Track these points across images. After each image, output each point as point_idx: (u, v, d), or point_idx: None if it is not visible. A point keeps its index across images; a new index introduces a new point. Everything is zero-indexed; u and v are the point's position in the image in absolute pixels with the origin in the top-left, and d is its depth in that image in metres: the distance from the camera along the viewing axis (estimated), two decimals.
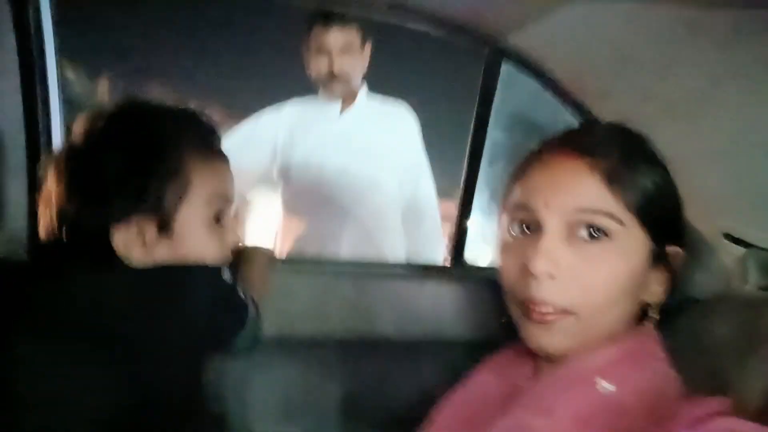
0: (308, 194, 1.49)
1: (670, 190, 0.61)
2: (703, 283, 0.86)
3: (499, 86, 1.03)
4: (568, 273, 0.57)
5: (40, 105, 0.85)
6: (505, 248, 0.63)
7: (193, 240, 0.65)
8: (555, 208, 0.58)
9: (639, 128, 0.79)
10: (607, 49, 0.80)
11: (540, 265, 0.56)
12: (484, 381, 0.69)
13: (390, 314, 0.94)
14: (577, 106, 0.93)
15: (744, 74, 0.67)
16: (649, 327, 0.61)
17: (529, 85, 0.99)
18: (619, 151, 0.59)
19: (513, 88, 1.04)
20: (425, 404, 0.72)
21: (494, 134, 1.08)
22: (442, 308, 0.97)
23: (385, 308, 0.95)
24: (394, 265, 1.29)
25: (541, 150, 0.64)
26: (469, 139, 1.09)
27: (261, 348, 0.84)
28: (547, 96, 0.98)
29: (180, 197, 0.64)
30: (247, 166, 1.47)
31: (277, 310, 0.89)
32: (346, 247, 1.46)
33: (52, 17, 0.87)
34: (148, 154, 0.63)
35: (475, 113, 1.07)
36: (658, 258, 0.60)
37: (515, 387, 0.62)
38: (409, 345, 0.96)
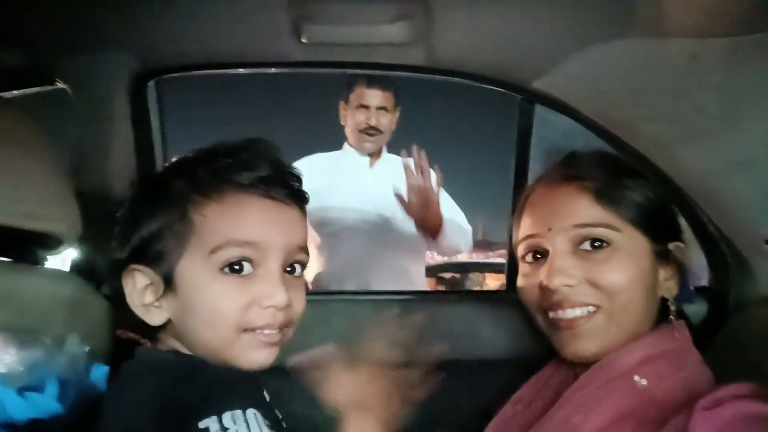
0: (348, 236, 1.62)
1: (657, 197, 0.68)
2: (749, 289, 0.88)
3: (534, 126, 1.12)
4: (582, 280, 0.64)
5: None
6: (524, 275, 0.72)
7: (197, 294, 0.58)
8: (557, 230, 0.67)
9: (666, 150, 0.87)
10: (626, 83, 0.88)
11: (555, 279, 0.64)
12: (530, 394, 0.75)
13: (449, 338, 1.01)
14: (609, 137, 1.00)
15: (751, 89, 0.72)
16: (680, 325, 0.66)
17: (563, 120, 1.08)
18: (604, 172, 0.68)
19: (548, 124, 1.12)
20: (483, 420, 0.78)
21: (535, 167, 1.16)
22: (497, 330, 1.03)
23: (444, 333, 1.02)
24: (453, 292, 1.37)
25: (536, 185, 0.74)
26: (512, 177, 1.17)
27: None
28: (582, 128, 1.06)
29: (179, 243, 0.58)
30: None
31: (336, 339, 0.98)
32: (388, 282, 1.59)
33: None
34: (150, 201, 0.61)
35: (515, 154, 1.16)
36: (663, 255, 0.66)
37: (558, 394, 0.67)
38: (467, 366, 1.02)
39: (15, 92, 1.03)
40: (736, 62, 0.72)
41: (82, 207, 0.76)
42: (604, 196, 0.66)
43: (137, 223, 0.59)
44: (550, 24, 0.85)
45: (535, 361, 0.82)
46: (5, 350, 0.51)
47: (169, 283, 0.58)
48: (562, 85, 0.96)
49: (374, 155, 1.74)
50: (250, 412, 0.51)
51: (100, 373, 0.61)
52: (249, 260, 0.58)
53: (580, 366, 0.68)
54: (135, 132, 1.02)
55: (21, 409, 0.48)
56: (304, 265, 0.65)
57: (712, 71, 0.75)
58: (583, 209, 0.66)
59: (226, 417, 0.50)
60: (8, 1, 0.80)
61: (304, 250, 0.64)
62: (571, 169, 0.71)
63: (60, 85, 1.00)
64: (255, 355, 0.59)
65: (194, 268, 0.58)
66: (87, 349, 0.62)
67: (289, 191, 0.63)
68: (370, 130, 1.67)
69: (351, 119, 1.69)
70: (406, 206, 1.37)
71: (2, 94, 1.00)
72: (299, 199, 0.64)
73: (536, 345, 0.97)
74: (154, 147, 1.08)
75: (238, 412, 0.51)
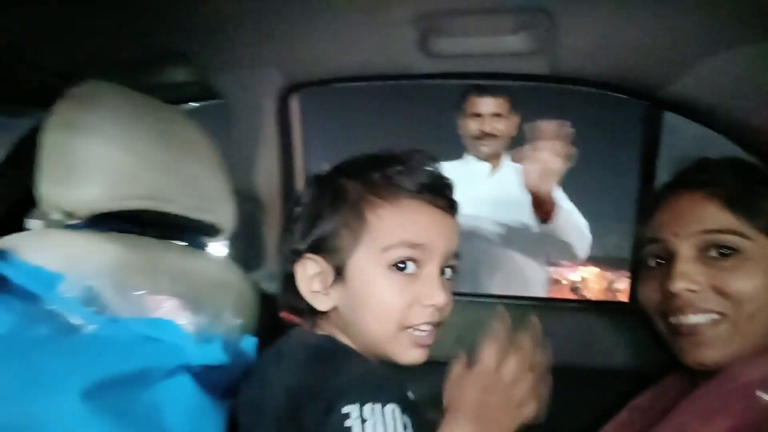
0: (464, 241, 1.64)
1: None
2: None
3: (663, 133, 1.08)
4: (707, 286, 0.63)
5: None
6: (646, 279, 0.72)
7: (366, 287, 0.63)
8: (683, 235, 0.66)
9: None
10: (763, 88, 0.83)
11: (678, 283, 0.63)
12: (648, 402, 0.73)
13: (569, 345, 1.02)
14: (744, 143, 0.94)
15: None
16: None
17: (696, 127, 1.03)
18: (736, 179, 0.66)
19: (679, 133, 1.08)
20: (598, 429, 0.78)
21: (664, 178, 1.12)
22: (618, 340, 1.01)
23: (564, 339, 1.02)
24: (575, 300, 1.35)
25: (664, 191, 0.73)
26: (637, 190, 1.14)
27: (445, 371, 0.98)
28: (713, 134, 1.01)
29: (353, 238, 0.63)
30: None
31: (459, 337, 1.02)
32: (498, 288, 1.61)
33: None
34: (330, 199, 0.65)
35: (640, 163, 1.13)
36: None
37: (676, 403, 0.66)
38: (586, 373, 1.02)
39: (184, 105, 1.22)
40: None
41: (235, 204, 0.89)
42: (735, 202, 0.64)
43: (318, 217, 0.66)
44: (679, 28, 0.83)
45: (656, 373, 0.80)
46: (182, 313, 0.63)
47: (339, 274, 0.64)
48: (694, 91, 0.92)
49: (495, 163, 1.77)
50: (389, 407, 0.53)
51: (249, 343, 0.71)
52: (414, 260, 0.63)
53: (701, 377, 0.67)
54: (280, 139, 1.15)
55: (197, 354, 0.58)
56: (454, 270, 0.69)
57: None
58: (711, 215, 0.65)
59: (367, 408, 0.52)
60: (176, 23, 0.94)
61: (457, 256, 0.68)
62: (701, 175, 0.70)
63: (219, 98, 1.16)
64: (410, 353, 0.64)
65: (365, 263, 0.63)
66: (236, 320, 0.73)
67: (449, 199, 0.68)
68: (484, 137, 1.71)
69: (467, 128, 1.75)
70: (528, 172, 1.34)
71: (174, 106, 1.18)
72: (454, 207, 0.70)
73: (657, 357, 0.95)
74: (294, 152, 1.20)
75: (378, 405, 0.53)
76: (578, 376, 1.02)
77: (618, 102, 1.05)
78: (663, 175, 1.11)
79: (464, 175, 1.77)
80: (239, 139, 1.16)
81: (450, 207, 0.68)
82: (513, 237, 1.64)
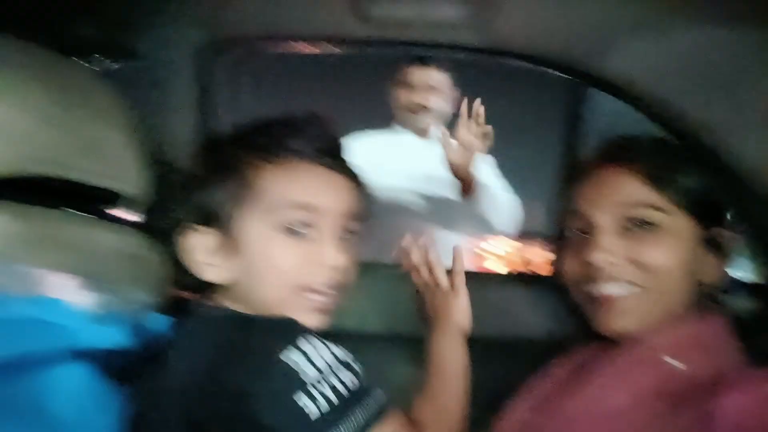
0: (389, 212, 1.64)
1: (707, 183, 0.68)
2: None
3: (585, 110, 1.10)
4: (625, 258, 0.65)
5: None
6: (567, 251, 0.73)
7: (259, 252, 0.61)
8: (604, 208, 0.67)
9: (722, 138, 0.85)
10: (686, 68, 0.86)
11: (599, 255, 0.65)
12: (561, 370, 0.76)
13: (491, 316, 1.04)
14: (663, 121, 0.98)
15: None
16: (716, 312, 0.66)
17: (617, 104, 1.06)
18: (656, 155, 0.68)
19: (601, 109, 1.10)
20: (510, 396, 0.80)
21: (585, 153, 1.15)
22: (539, 311, 1.04)
23: (487, 310, 1.04)
24: (499, 274, 1.38)
25: (586, 165, 0.75)
26: (560, 164, 1.17)
27: (369, 342, 0.98)
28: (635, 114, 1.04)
29: (239, 204, 0.62)
30: None
31: (379, 308, 1.02)
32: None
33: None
34: (215, 165, 0.64)
35: (563, 138, 1.16)
36: (708, 241, 0.66)
37: (588, 369, 0.68)
38: (506, 344, 1.04)
39: (93, 62, 1.11)
40: None
41: (148, 170, 0.82)
42: (655, 178, 0.66)
43: (200, 185, 0.64)
44: (606, 5, 0.84)
45: (572, 343, 0.83)
46: (79, 291, 0.57)
47: (228, 244, 0.62)
48: (618, 68, 0.94)
49: (426, 135, 1.75)
50: (313, 335, 0.55)
51: (159, 322, 0.66)
52: (308, 224, 0.62)
53: (613, 344, 0.69)
54: (200, 102, 1.08)
55: (91, 336, 0.53)
56: (355, 234, 0.69)
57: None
58: (632, 189, 0.67)
59: (300, 342, 0.54)
60: None
61: (357, 218, 0.68)
62: (623, 151, 0.71)
63: (136, 58, 1.06)
64: (308, 318, 0.63)
65: (254, 229, 0.62)
66: (146, 298, 0.68)
67: (343, 161, 0.68)
68: (418, 109, 1.69)
69: (399, 98, 1.72)
70: (448, 149, 1.35)
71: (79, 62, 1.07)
72: (352, 171, 0.69)
73: (573, 328, 0.98)
74: (217, 116, 1.13)
75: (306, 336, 0.55)
76: (500, 348, 1.05)
77: (545, 77, 1.06)
78: (584, 150, 1.15)
79: (392, 145, 1.76)
80: (156, 101, 1.08)
81: (345, 169, 0.68)
82: (437, 210, 1.64)
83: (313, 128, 0.66)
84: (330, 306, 0.65)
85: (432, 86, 1.67)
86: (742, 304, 0.91)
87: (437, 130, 1.74)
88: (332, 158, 0.66)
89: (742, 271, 0.96)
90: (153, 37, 1.03)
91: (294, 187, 0.63)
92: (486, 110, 1.30)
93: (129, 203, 0.82)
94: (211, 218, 0.63)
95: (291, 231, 0.62)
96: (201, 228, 0.63)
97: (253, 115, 0.72)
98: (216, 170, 0.64)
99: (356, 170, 0.70)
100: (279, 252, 0.62)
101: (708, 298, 0.67)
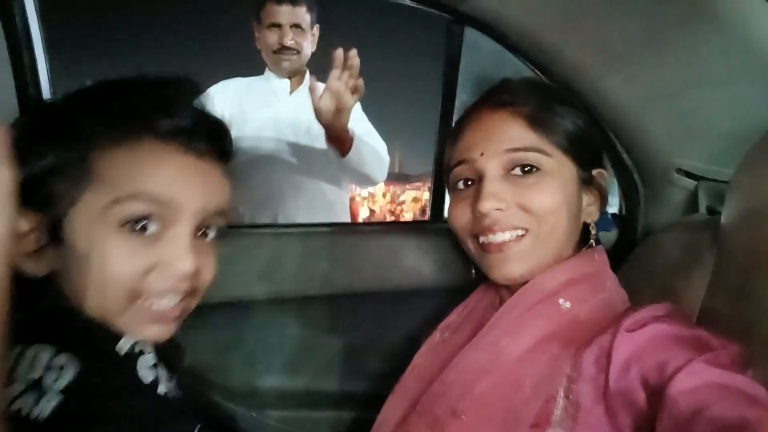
0: (263, 166, 1.55)
1: (585, 124, 0.69)
2: (657, 215, 0.94)
3: (463, 51, 1.08)
4: (512, 203, 0.65)
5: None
6: (455, 201, 0.72)
7: (88, 250, 0.50)
8: (489, 155, 0.66)
9: (591, 78, 0.87)
10: (556, 7, 0.86)
11: (487, 203, 0.64)
12: (458, 320, 0.76)
13: (376, 268, 1.01)
14: (537, 64, 0.99)
15: (682, 20, 0.73)
16: (599, 249, 0.69)
17: (493, 46, 1.05)
18: (537, 99, 0.67)
19: (478, 51, 1.09)
20: (412, 348, 0.79)
21: (463, 98, 1.14)
22: (423, 260, 1.04)
23: (371, 263, 1.02)
24: (379, 223, 1.36)
25: (469, 111, 0.73)
26: (440, 105, 1.15)
27: (256, 309, 0.91)
28: (510, 56, 1.04)
29: (74, 189, 0.50)
30: None
31: (262, 272, 0.96)
32: (302, 214, 1.54)
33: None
34: (47, 133, 0.52)
35: (442, 80, 1.13)
36: (587, 181, 0.68)
37: (484, 319, 0.68)
38: (395, 295, 1.04)
39: None
40: None
41: None
42: (536, 121, 0.66)
43: (25, 157, 0.47)
44: None
45: (461, 290, 0.83)
46: None
47: (55, 233, 0.50)
48: (492, 7, 0.92)
49: (295, 80, 1.64)
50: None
51: None
52: (155, 219, 0.51)
53: (506, 291, 0.70)
54: (12, 53, 0.88)
55: None
56: (219, 230, 0.58)
57: None
58: (515, 134, 0.66)
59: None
60: None
61: (222, 213, 0.57)
62: (503, 95, 0.70)
63: None
64: (147, 330, 0.53)
65: (88, 220, 0.50)
66: None
67: (214, 146, 0.55)
68: (285, 51, 1.56)
69: (264, 40, 1.58)
70: (318, 108, 1.26)
71: None
72: (224, 155, 0.57)
73: (462, 273, 1.00)
74: (38, 72, 0.93)
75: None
76: (389, 299, 1.04)
77: (422, 16, 1.01)
78: (463, 93, 1.14)
79: (263, 92, 1.64)
80: None
81: (215, 154, 0.56)
82: (312, 162, 1.55)
83: (177, 100, 0.54)
84: (176, 315, 0.55)
85: (295, 24, 1.55)
86: (605, 235, 0.98)
87: (310, 77, 1.65)
88: (197, 140, 0.53)
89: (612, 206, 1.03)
90: None
91: (143, 175, 0.50)
92: (361, 51, 1.22)
93: None
94: (36, 199, 0.49)
95: (133, 228, 0.50)
96: (22, 209, 0.48)
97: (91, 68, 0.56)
98: (49, 140, 0.51)
99: (228, 154, 0.58)
100: (114, 253, 0.50)
101: (591, 236, 0.70)
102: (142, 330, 0.53)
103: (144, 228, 0.51)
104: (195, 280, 0.55)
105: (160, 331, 0.54)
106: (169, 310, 0.53)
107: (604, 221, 0.73)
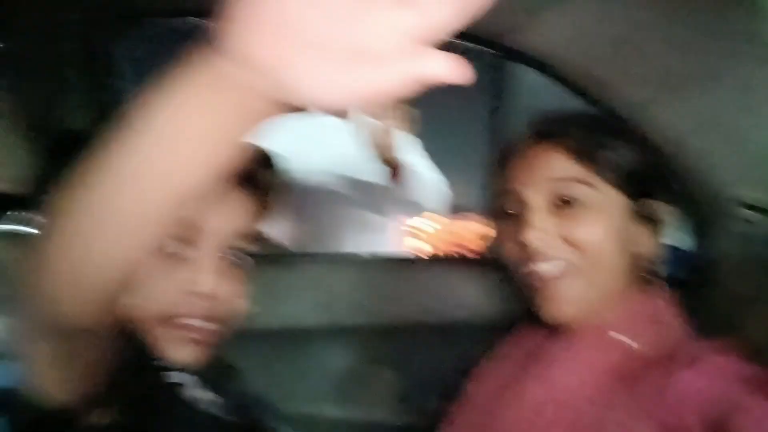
0: (321, 197, 1.58)
1: (635, 155, 0.68)
2: (723, 249, 0.89)
3: (507, 84, 1.09)
4: (556, 235, 0.64)
5: None
6: (501, 231, 0.72)
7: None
8: (533, 186, 0.66)
9: (643, 109, 0.85)
10: (605, 40, 0.85)
11: (531, 234, 0.64)
12: (510, 356, 0.75)
13: (432, 301, 1.02)
14: (585, 95, 0.98)
15: (728, 48, 0.71)
16: (659, 285, 0.66)
17: (539, 78, 1.05)
18: (581, 130, 0.67)
19: (524, 83, 1.09)
20: (463, 382, 0.78)
21: (511, 129, 1.14)
22: (479, 293, 1.03)
23: (427, 295, 1.02)
24: (435, 256, 1.36)
25: (512, 144, 0.73)
26: (488, 138, 1.16)
27: (313, 337, 0.91)
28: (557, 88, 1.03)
29: None
30: None
31: (320, 302, 0.98)
32: (355, 245, 1.54)
33: None
34: None
35: (489, 115, 1.14)
36: (640, 214, 0.67)
37: (535, 352, 0.67)
38: (448, 328, 1.03)
39: None
40: (717, 20, 0.70)
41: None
42: (580, 153, 0.65)
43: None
44: None
45: (512, 324, 0.82)
46: None
47: None
48: (539, 41, 0.93)
49: (343, 116, 1.69)
50: None
51: None
52: (182, 242, 0.53)
53: (561, 327, 0.68)
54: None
55: None
56: (247, 254, 0.59)
57: (687, 27, 0.73)
58: (557, 165, 0.66)
59: None
60: None
61: (248, 237, 0.58)
62: (548, 126, 0.70)
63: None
64: (179, 352, 0.54)
65: None
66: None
67: (242, 172, 0.54)
68: None
69: None
70: (369, 131, 1.27)
71: None
72: (254, 182, 0.58)
73: (515, 308, 0.98)
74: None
75: None
76: (439, 333, 1.03)
77: (468, 53, 1.03)
78: (510, 126, 1.14)
79: (312, 127, 1.69)
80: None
81: (242, 179, 0.56)
82: (363, 194, 1.58)
83: None
84: (208, 339, 0.55)
85: None
86: (681, 273, 0.93)
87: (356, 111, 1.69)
88: None
89: (679, 241, 0.98)
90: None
91: None
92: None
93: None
94: None
95: (159, 249, 0.51)
96: None
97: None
98: None
99: (258, 179, 0.59)
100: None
101: (647, 271, 0.68)
102: (175, 351, 0.54)
103: (174, 251, 0.52)
104: (216, 302, 0.55)
105: (194, 354, 0.55)
106: (196, 332, 0.54)
107: (666, 253, 0.70)
